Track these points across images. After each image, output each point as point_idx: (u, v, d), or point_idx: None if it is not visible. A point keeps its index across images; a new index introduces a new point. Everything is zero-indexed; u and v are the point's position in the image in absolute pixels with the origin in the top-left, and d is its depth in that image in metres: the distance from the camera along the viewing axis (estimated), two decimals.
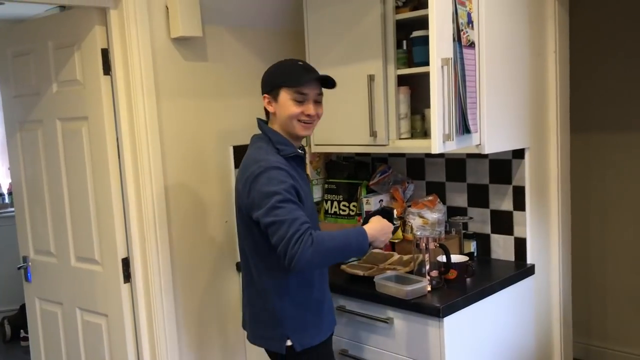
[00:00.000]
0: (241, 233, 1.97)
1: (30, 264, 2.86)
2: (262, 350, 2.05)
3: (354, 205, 2.87)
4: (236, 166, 2.74)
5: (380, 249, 2.54)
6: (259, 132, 2.03)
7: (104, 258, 2.53)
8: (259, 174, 1.80)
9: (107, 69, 2.40)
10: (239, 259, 2.77)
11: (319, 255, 1.72)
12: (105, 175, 2.45)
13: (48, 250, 2.75)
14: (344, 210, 2.91)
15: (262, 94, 1.96)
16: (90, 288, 2.60)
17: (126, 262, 2.49)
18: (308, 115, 1.91)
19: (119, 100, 2.40)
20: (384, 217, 1.96)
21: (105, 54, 2.39)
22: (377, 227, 1.89)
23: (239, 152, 2.75)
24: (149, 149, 2.42)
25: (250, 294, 2.00)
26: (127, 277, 2.49)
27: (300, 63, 1.95)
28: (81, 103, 2.49)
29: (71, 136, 2.56)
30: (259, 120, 2.03)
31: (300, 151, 1.99)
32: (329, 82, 1.96)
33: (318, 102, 1.95)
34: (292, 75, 1.90)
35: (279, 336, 1.92)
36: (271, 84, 1.93)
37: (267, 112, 2.01)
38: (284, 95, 1.90)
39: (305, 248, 1.69)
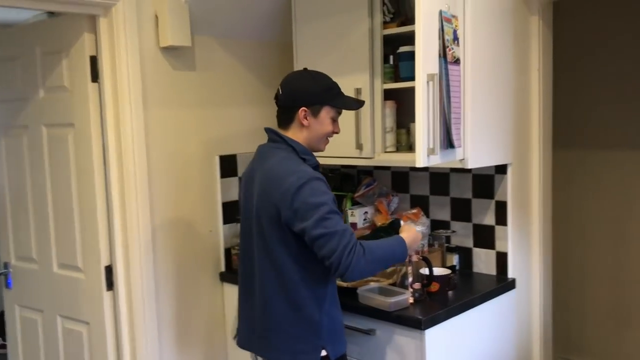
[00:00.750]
0: (269, 244, 1.90)
1: (11, 270, 2.83)
2: None
3: None
4: (222, 176, 2.75)
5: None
6: (265, 141, 2.01)
7: (87, 265, 2.52)
8: (301, 186, 1.80)
9: (95, 76, 2.40)
10: (223, 269, 2.78)
11: (370, 264, 1.80)
12: (90, 182, 2.45)
13: (30, 256, 2.73)
14: None
15: (300, 105, 1.93)
16: (72, 295, 2.58)
17: (109, 270, 2.48)
18: (335, 133, 2.02)
19: (106, 108, 2.40)
20: (393, 227, 2.13)
21: (94, 61, 2.40)
22: (411, 236, 2.00)
23: (226, 161, 2.76)
24: (135, 157, 2.42)
25: (276, 308, 1.92)
26: (110, 285, 2.48)
27: (334, 81, 2.01)
28: (68, 110, 2.48)
29: (57, 142, 2.55)
30: (272, 130, 1.99)
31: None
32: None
33: None
34: (338, 96, 1.99)
35: (314, 347, 1.91)
36: (315, 100, 1.94)
37: (283, 122, 1.97)
38: (326, 113, 1.96)
39: (359, 258, 1.76)
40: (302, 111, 1.93)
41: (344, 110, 2.03)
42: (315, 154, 2.01)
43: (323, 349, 1.92)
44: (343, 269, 1.75)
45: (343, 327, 2.03)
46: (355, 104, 2.05)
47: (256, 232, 1.94)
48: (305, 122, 1.94)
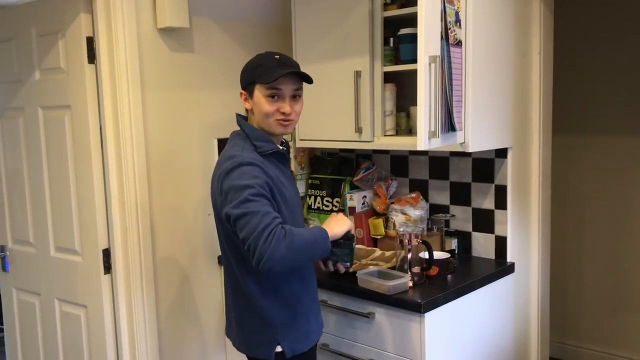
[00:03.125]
0: (220, 233, 1.90)
1: (7, 253, 2.82)
2: None
3: (337, 201, 2.88)
4: None
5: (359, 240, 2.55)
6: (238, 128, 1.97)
7: (85, 249, 2.50)
8: (231, 170, 1.72)
9: (91, 57, 2.37)
10: (220, 253, 2.77)
11: (291, 250, 1.62)
12: (88, 165, 2.42)
13: (27, 240, 2.72)
14: (327, 206, 2.91)
15: (241, 90, 1.89)
16: (70, 279, 2.57)
17: (107, 253, 2.46)
18: (283, 113, 1.80)
19: (103, 90, 2.37)
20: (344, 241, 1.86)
21: (90, 42, 2.36)
22: (331, 223, 1.83)
23: (223, 145, 2.72)
24: (132, 139, 2.40)
25: (236, 297, 1.90)
26: (108, 268, 2.47)
27: (276, 56, 1.82)
28: (64, 91, 2.45)
29: (53, 125, 2.52)
30: (238, 115, 1.95)
31: (281, 147, 1.90)
32: (307, 76, 1.85)
33: (296, 97, 1.83)
34: (265, 71, 1.78)
35: (268, 341, 1.82)
36: (246, 80, 1.86)
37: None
38: (258, 92, 1.80)
39: (279, 242, 1.60)
40: (240, 95, 1.89)
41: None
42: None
43: (278, 344, 1.82)
44: (260, 254, 1.59)
45: (308, 323, 1.89)
46: (283, 75, 1.77)
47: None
48: (247, 105, 1.88)
